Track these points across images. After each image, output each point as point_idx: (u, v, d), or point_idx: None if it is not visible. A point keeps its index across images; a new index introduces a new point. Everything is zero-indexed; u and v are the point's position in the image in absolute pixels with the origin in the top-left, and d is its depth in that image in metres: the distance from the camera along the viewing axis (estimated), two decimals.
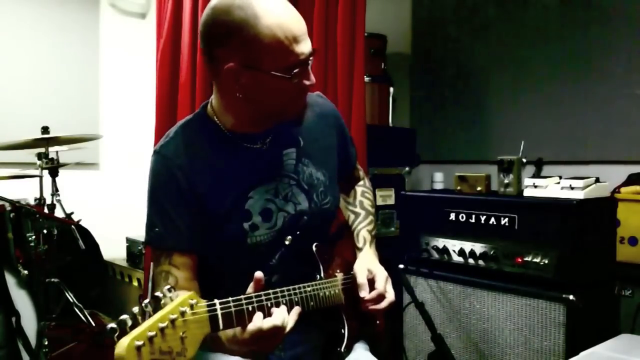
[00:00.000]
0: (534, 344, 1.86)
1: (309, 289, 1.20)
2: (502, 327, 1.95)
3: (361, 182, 1.60)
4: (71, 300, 2.63)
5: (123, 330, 0.82)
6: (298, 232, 1.30)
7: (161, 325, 0.84)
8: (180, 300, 0.89)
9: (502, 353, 1.95)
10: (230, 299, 1.00)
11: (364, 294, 1.29)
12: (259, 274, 1.07)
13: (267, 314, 1.05)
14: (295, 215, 1.29)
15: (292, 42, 1.13)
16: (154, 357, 0.82)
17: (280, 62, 1.14)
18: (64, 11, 3.52)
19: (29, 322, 2.19)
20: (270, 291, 1.09)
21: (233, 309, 0.99)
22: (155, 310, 0.86)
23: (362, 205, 1.52)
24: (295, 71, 1.15)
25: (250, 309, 1.02)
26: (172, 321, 0.86)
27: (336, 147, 1.43)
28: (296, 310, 1.10)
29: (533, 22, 3.03)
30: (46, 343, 2.30)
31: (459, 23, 3.42)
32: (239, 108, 1.24)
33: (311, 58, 1.19)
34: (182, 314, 0.88)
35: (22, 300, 2.20)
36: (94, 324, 2.67)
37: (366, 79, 2.78)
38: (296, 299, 1.15)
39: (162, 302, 0.88)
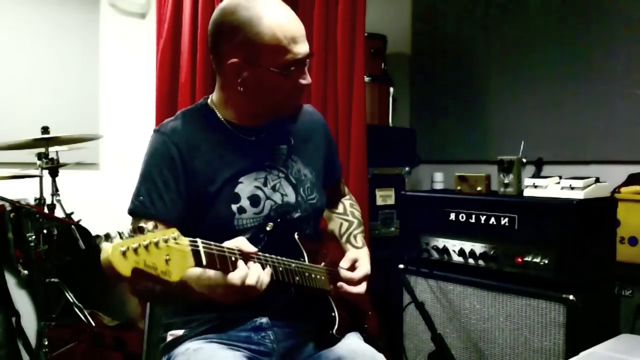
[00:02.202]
0: (534, 344, 1.86)
1: (293, 265, 1.24)
2: (502, 327, 1.95)
3: (347, 197, 1.65)
4: (71, 300, 2.62)
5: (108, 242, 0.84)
6: (280, 220, 1.34)
7: (144, 242, 0.86)
8: (163, 231, 0.92)
9: (502, 353, 1.95)
10: (213, 244, 1.03)
11: (345, 265, 1.37)
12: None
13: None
14: (281, 206, 1.34)
15: (290, 42, 1.23)
16: (139, 267, 0.85)
17: (278, 59, 1.23)
18: (64, 11, 3.52)
19: (29, 322, 2.19)
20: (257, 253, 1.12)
21: (216, 252, 1.02)
22: None
23: (354, 215, 1.59)
24: (291, 69, 1.25)
25: (233, 259, 1.05)
26: (156, 243, 0.88)
27: (323, 153, 1.50)
28: (268, 271, 1.11)
29: (533, 22, 3.03)
30: (46, 343, 2.30)
31: (459, 23, 3.42)
32: (239, 102, 1.33)
33: (308, 60, 1.29)
34: (166, 240, 0.91)
35: (22, 300, 2.20)
36: (94, 324, 2.66)
37: (366, 79, 2.78)
38: (281, 269, 1.18)
39: (146, 232, 0.90)
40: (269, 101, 1.30)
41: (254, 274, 1.07)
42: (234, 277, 1.04)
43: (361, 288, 1.36)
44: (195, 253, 0.97)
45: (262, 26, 1.21)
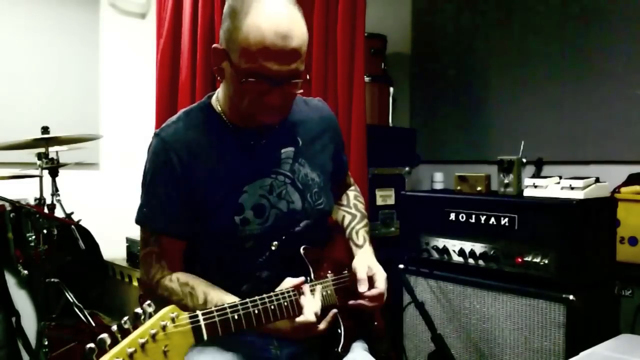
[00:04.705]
0: (534, 344, 1.86)
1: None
2: (502, 327, 1.95)
3: (352, 188, 1.61)
4: (71, 300, 2.63)
5: (102, 350, 0.81)
6: (285, 235, 1.29)
7: (141, 340, 0.83)
8: (160, 315, 0.89)
9: (502, 353, 1.95)
10: (213, 308, 1.00)
11: (363, 289, 1.28)
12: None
13: (256, 320, 1.07)
14: (287, 213, 1.29)
15: (263, 53, 1.10)
16: None
17: (241, 63, 1.13)
18: (64, 11, 3.52)
19: (29, 322, 2.19)
20: (257, 297, 1.09)
21: (217, 319, 0.99)
22: (135, 327, 0.85)
23: (357, 207, 1.54)
24: (250, 79, 1.13)
25: (236, 317, 1.03)
26: (153, 336, 0.85)
27: (331, 152, 1.44)
28: (332, 312, 1.18)
29: (533, 22, 3.03)
30: (46, 343, 2.30)
31: (459, 23, 3.41)
32: (230, 98, 1.26)
33: (292, 80, 1.16)
34: (164, 327, 0.87)
35: (22, 300, 2.20)
36: (94, 324, 2.66)
37: (366, 79, 2.78)
38: (285, 303, 1.13)
39: (142, 317, 0.87)
40: (237, 103, 1.22)
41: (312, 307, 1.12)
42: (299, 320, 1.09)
43: (380, 293, 1.31)
44: (196, 329, 0.95)
45: (244, 21, 1.10)
